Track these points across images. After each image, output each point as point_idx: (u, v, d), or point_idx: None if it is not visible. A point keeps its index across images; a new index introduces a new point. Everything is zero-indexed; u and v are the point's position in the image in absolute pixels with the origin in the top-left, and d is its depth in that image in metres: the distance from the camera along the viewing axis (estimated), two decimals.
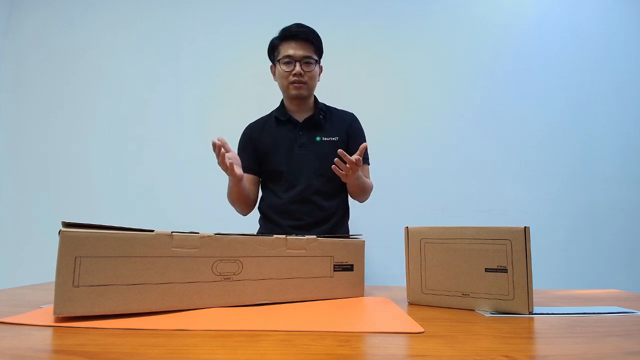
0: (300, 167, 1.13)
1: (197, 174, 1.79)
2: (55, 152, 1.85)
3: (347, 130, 1.18)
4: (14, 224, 1.82)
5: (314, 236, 0.64)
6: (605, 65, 1.90)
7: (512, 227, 0.56)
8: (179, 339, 0.38)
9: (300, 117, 1.17)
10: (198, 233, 0.53)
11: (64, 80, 1.90)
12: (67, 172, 1.83)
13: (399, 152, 1.80)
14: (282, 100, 1.21)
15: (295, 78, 1.09)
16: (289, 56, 1.08)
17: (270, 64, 1.18)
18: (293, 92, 1.12)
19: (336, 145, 1.13)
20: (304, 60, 1.09)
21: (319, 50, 1.13)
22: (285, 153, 1.14)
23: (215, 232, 0.55)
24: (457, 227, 0.60)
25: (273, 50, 1.14)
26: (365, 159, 1.20)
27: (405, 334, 0.43)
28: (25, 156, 1.86)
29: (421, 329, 0.44)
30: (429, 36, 1.89)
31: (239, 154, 1.16)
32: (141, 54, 1.90)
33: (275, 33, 1.14)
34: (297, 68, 1.08)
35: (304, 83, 1.11)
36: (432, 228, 0.62)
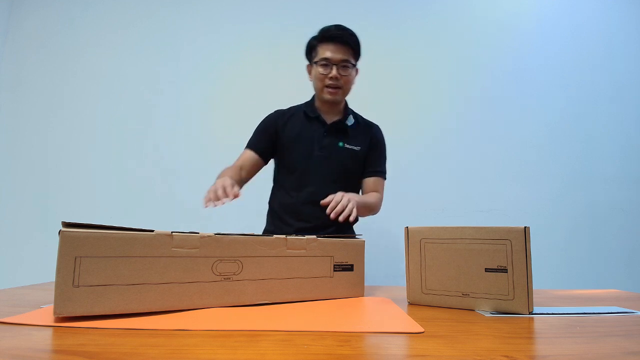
0: (316, 168, 1.11)
1: (197, 174, 1.79)
2: (55, 152, 1.85)
3: (369, 141, 1.17)
4: (14, 224, 1.82)
5: (314, 236, 0.64)
6: (605, 65, 1.90)
7: (512, 227, 0.56)
8: (179, 339, 0.38)
9: (329, 119, 1.15)
10: (198, 233, 0.53)
11: (64, 80, 1.90)
12: (67, 172, 1.83)
13: (399, 152, 1.80)
14: (314, 96, 1.18)
15: (331, 82, 1.07)
16: (326, 59, 1.06)
17: (307, 62, 1.16)
18: (327, 96, 1.10)
19: (357, 155, 1.13)
20: (342, 64, 1.07)
21: (357, 54, 1.12)
22: (304, 151, 1.12)
23: (215, 232, 0.55)
24: (457, 227, 0.60)
25: (311, 50, 1.12)
26: (382, 173, 1.18)
27: (405, 334, 0.43)
28: (25, 156, 1.86)
29: (421, 329, 0.44)
30: (429, 36, 1.89)
31: (257, 131, 1.14)
32: (141, 54, 1.90)
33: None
34: (334, 72, 1.06)
35: (339, 88, 1.09)
36: (432, 228, 0.62)
